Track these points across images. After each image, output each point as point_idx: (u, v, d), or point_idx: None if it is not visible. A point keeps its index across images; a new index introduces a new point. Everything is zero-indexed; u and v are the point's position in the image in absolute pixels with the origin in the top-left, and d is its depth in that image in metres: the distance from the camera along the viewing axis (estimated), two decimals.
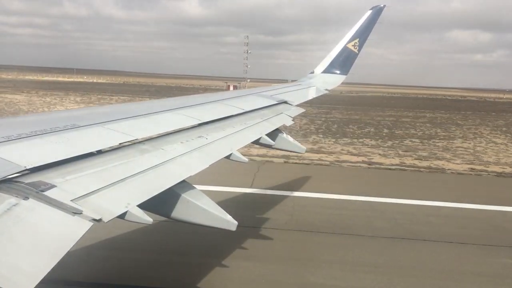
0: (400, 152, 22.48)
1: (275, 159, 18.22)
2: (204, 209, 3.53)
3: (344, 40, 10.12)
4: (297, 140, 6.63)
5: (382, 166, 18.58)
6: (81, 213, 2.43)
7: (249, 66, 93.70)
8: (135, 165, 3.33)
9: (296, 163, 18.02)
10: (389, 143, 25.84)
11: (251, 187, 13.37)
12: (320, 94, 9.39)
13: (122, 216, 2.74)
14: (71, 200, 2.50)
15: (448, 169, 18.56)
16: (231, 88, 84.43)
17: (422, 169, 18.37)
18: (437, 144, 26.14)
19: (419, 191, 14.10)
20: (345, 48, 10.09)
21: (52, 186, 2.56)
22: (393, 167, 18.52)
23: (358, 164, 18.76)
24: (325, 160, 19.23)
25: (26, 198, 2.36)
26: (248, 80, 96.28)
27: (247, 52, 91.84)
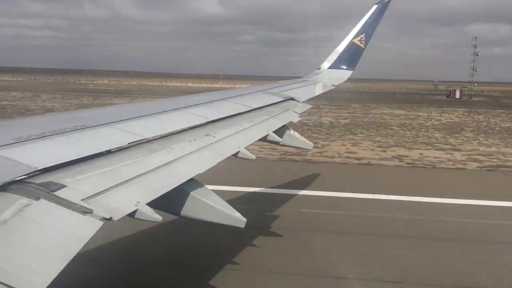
0: None
1: None
2: (213, 206, 3.56)
3: (350, 35, 10.08)
4: None
5: None
6: (91, 213, 2.46)
7: (477, 70, 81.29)
8: (144, 164, 3.36)
9: None
10: None
11: None
12: (326, 90, 9.39)
13: (132, 215, 2.77)
14: (81, 200, 2.53)
15: None
16: (457, 93, 73.97)
17: None
18: None
19: None
20: (351, 44, 10.06)
21: (63, 186, 2.59)
22: None
23: None
24: None
25: (37, 198, 2.39)
26: (475, 84, 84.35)
27: (475, 54, 79.76)
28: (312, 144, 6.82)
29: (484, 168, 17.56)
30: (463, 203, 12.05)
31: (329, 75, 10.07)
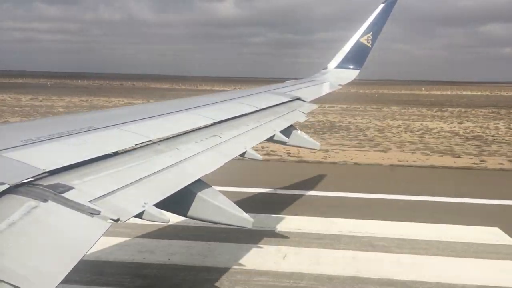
0: None
1: None
2: (220, 207, 3.56)
3: (357, 34, 10.05)
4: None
5: None
6: (99, 214, 2.47)
7: None
8: (151, 166, 3.37)
9: None
10: None
11: None
12: (333, 90, 9.36)
13: (139, 216, 2.78)
14: (89, 201, 2.54)
15: None
16: None
17: None
18: None
19: None
20: (358, 43, 10.02)
21: (70, 188, 2.60)
22: None
23: None
24: None
25: (45, 200, 2.40)
26: None
27: None
28: (319, 144, 6.78)
29: None
30: None
31: (336, 75, 10.04)
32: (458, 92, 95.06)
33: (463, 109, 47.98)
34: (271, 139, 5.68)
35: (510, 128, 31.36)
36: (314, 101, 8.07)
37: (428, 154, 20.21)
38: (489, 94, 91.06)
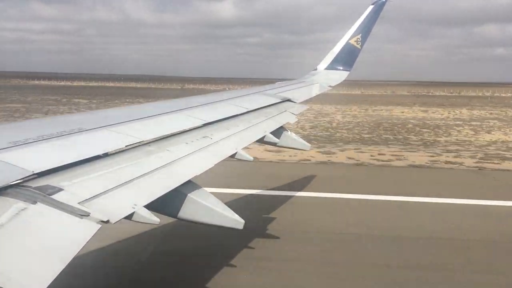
0: None
1: None
2: (210, 208, 3.56)
3: (346, 36, 10.10)
4: None
5: None
6: (88, 216, 2.45)
7: None
8: (141, 167, 3.36)
9: None
10: None
11: None
12: (323, 91, 9.40)
13: (129, 217, 2.77)
14: (78, 203, 2.53)
15: None
16: None
17: None
18: None
19: None
20: (347, 44, 10.08)
21: (60, 190, 2.59)
22: None
23: None
24: None
25: (34, 202, 2.38)
26: None
27: None
28: (309, 145, 6.81)
29: None
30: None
31: (326, 76, 10.09)
32: None
33: None
34: (261, 140, 5.69)
35: None
36: (304, 102, 8.11)
37: None
38: None
